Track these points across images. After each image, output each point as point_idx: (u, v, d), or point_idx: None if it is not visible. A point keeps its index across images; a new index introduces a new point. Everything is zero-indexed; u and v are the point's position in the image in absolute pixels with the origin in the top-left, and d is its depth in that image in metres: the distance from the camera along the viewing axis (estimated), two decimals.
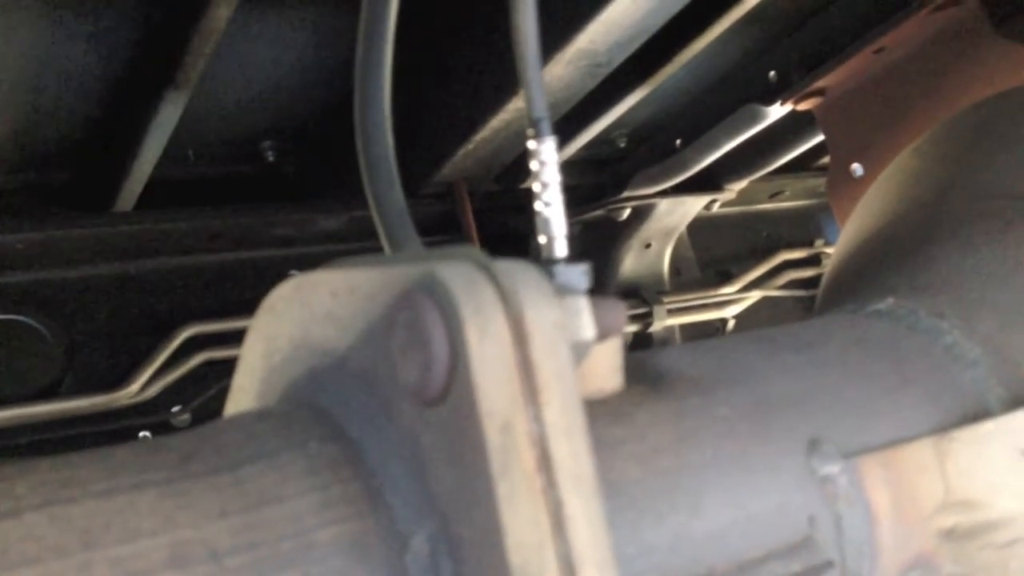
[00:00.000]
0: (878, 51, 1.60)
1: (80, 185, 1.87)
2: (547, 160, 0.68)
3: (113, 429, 1.80)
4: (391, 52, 0.85)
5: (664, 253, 2.15)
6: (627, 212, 2.04)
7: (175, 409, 1.83)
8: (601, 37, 1.56)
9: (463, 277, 0.50)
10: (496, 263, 0.52)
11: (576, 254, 2.04)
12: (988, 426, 0.73)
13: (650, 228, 2.07)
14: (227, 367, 1.81)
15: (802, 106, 1.72)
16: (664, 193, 2.01)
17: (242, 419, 0.59)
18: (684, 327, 2.19)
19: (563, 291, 0.55)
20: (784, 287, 2.28)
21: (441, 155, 1.89)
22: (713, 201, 2.09)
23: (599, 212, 2.03)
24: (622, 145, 2.14)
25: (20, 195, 1.86)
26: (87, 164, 1.83)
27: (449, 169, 1.91)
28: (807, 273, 2.34)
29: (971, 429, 0.73)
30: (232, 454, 0.54)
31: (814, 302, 2.33)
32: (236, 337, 1.81)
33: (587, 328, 0.55)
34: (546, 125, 0.68)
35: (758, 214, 2.37)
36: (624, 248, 2.10)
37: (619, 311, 0.57)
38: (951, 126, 0.99)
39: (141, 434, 1.79)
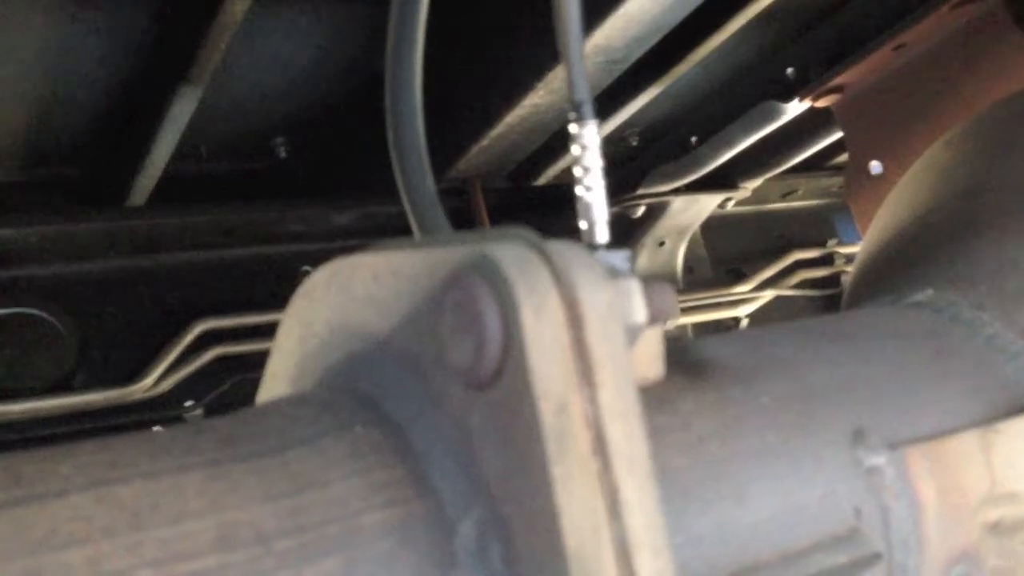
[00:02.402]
0: (898, 47, 1.59)
1: (94, 180, 1.87)
2: (589, 144, 0.67)
3: (126, 423, 1.79)
4: (423, 36, 0.84)
5: (678, 251, 2.15)
6: (641, 209, 2.03)
7: (188, 404, 1.82)
8: (618, 33, 1.56)
9: (516, 257, 0.49)
10: (549, 244, 0.51)
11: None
12: None
13: (664, 226, 2.06)
14: (240, 362, 1.81)
15: (820, 103, 1.72)
16: (679, 191, 2.00)
17: (283, 403, 0.58)
18: (696, 326, 2.18)
19: (615, 274, 0.54)
20: (797, 287, 2.28)
21: (455, 151, 1.88)
22: (728, 199, 2.09)
23: (614, 209, 2.02)
24: (634, 144, 2.13)
25: (34, 189, 1.86)
26: (101, 159, 1.83)
27: (463, 165, 1.90)
28: (819, 273, 2.33)
29: (1015, 421, 0.72)
30: (275, 438, 0.53)
31: (827, 302, 2.32)
32: (249, 332, 1.80)
33: (639, 311, 0.54)
34: (588, 108, 0.67)
35: (771, 213, 2.37)
36: (638, 246, 2.10)
37: (670, 295, 0.56)
38: (985, 119, 0.98)
39: (155, 429, 1.78)
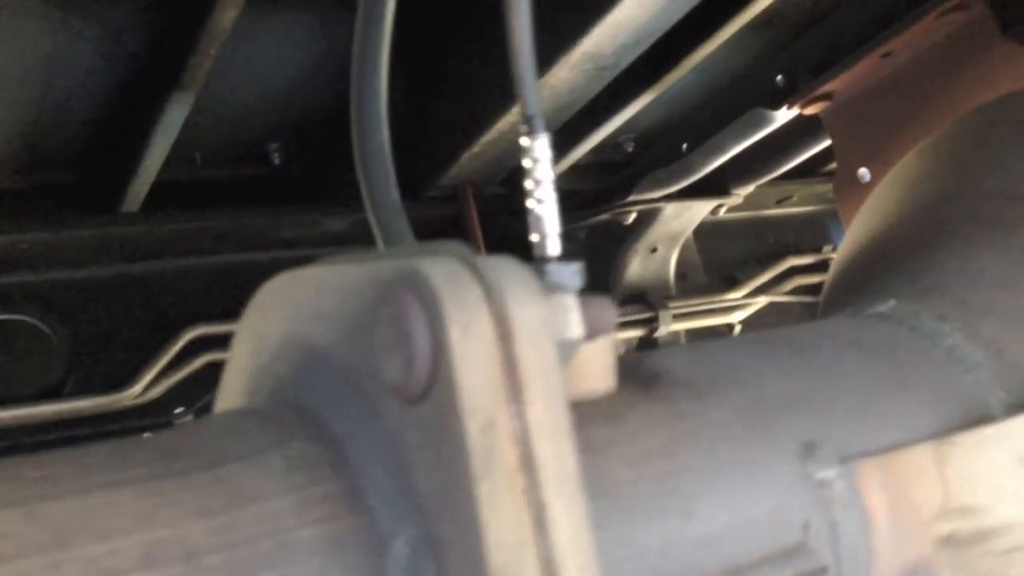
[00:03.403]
0: (885, 55, 1.59)
1: (87, 186, 1.87)
2: (540, 157, 0.67)
3: (116, 430, 1.80)
4: (388, 48, 0.85)
5: (670, 258, 2.14)
6: (633, 216, 2.03)
7: (178, 411, 1.82)
8: (607, 40, 1.56)
9: (447, 273, 0.49)
10: (482, 259, 0.51)
11: (583, 258, 2.03)
12: (988, 431, 0.72)
13: (656, 232, 2.06)
14: None
15: (809, 110, 1.71)
16: (670, 197, 1.99)
17: (224, 417, 0.58)
18: (690, 332, 2.18)
19: (551, 289, 0.54)
20: (791, 293, 2.27)
21: (446, 158, 1.88)
22: (720, 206, 2.08)
23: (605, 216, 2.02)
24: (630, 149, 2.13)
25: (27, 196, 1.86)
26: (94, 165, 1.83)
27: (454, 172, 1.90)
28: (814, 279, 2.33)
29: (971, 434, 0.71)
30: (212, 452, 0.53)
31: None
32: None
33: (575, 326, 0.54)
34: (539, 122, 0.67)
35: (766, 219, 2.36)
36: (630, 252, 2.09)
37: (608, 310, 0.56)
38: (956, 129, 0.98)
39: (144, 435, 1.78)
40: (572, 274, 0.65)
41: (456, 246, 0.52)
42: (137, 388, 1.80)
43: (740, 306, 2.20)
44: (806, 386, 0.71)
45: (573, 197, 2.15)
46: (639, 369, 0.69)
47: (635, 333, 2.09)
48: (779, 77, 1.75)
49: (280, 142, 2.00)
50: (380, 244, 0.82)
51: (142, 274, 1.88)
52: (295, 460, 0.53)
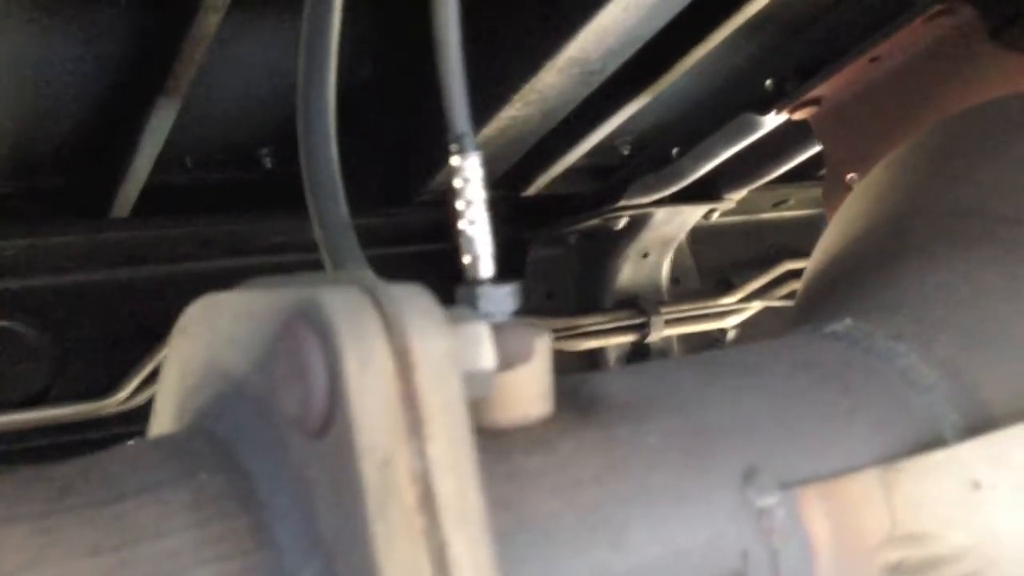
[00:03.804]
0: (873, 60, 1.57)
1: (75, 191, 1.86)
2: (471, 177, 0.65)
3: (100, 438, 1.79)
4: (334, 63, 0.83)
5: (662, 263, 2.12)
6: (624, 221, 2.01)
7: None
8: (592, 45, 1.54)
9: (345, 304, 0.48)
10: (385, 288, 0.49)
11: (573, 263, 2.00)
12: (939, 456, 0.70)
13: (647, 237, 2.04)
14: None
15: (797, 115, 1.69)
16: (661, 202, 1.97)
17: (134, 448, 0.56)
18: (682, 338, 2.16)
19: (459, 318, 0.52)
20: (787, 297, 2.24)
21: (435, 162, 1.87)
22: (712, 210, 2.06)
23: (595, 221, 2.00)
24: (625, 153, 2.11)
25: (13, 200, 1.86)
26: (82, 170, 1.83)
27: (444, 176, 1.88)
28: None
29: (920, 459, 0.69)
30: (115, 486, 0.51)
31: None
32: None
33: (486, 357, 0.52)
34: (470, 140, 0.65)
35: (762, 223, 2.34)
36: (621, 258, 2.07)
37: (526, 338, 0.55)
38: (925, 139, 0.96)
39: (128, 443, 1.77)
40: (505, 296, 0.64)
41: (361, 275, 0.51)
42: (122, 395, 1.80)
43: (734, 311, 2.18)
44: (750, 410, 0.69)
45: (566, 201, 2.13)
46: (578, 393, 0.67)
47: (627, 339, 2.07)
48: (768, 82, 1.73)
49: (271, 146, 1.99)
50: (327, 264, 0.81)
51: (127, 280, 1.87)
52: (200, 494, 0.52)
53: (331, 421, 0.48)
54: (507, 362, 0.54)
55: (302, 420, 0.48)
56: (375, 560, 0.45)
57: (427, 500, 0.46)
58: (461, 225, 0.65)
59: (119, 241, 1.83)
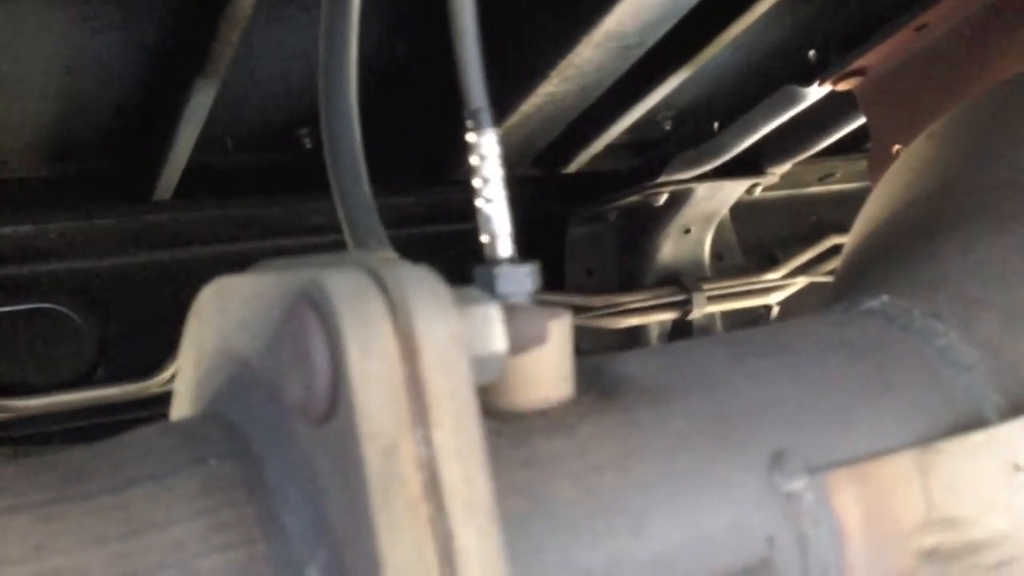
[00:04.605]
0: (920, 28, 1.52)
1: (118, 174, 1.87)
2: (488, 154, 0.64)
3: (145, 417, 1.80)
4: (355, 44, 0.82)
5: (704, 239, 2.09)
6: (664, 197, 1.98)
7: None
8: (630, 19, 1.52)
9: (349, 286, 0.46)
10: (390, 270, 0.48)
11: (613, 240, 1.97)
12: (979, 437, 0.67)
13: (688, 213, 2.01)
14: None
15: (841, 86, 1.65)
16: (703, 177, 1.94)
17: (144, 434, 0.56)
18: (726, 314, 2.13)
19: (470, 300, 0.51)
20: (832, 273, 2.20)
21: None
22: (755, 185, 2.02)
23: (636, 197, 1.97)
24: (667, 128, 2.08)
25: (56, 184, 1.87)
26: (124, 153, 1.84)
27: None
28: None
29: (959, 440, 0.67)
30: (123, 473, 0.51)
31: None
32: None
33: (496, 340, 0.51)
34: (486, 116, 0.64)
35: (807, 197, 2.29)
36: (663, 234, 2.05)
37: (540, 320, 0.53)
38: (967, 111, 0.93)
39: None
40: (524, 276, 0.62)
41: (367, 255, 0.49)
42: (166, 375, 1.81)
43: (778, 287, 2.14)
44: (779, 392, 0.67)
45: (607, 178, 2.11)
46: (602, 375, 0.66)
47: (668, 316, 2.04)
48: (811, 53, 1.70)
49: (310, 127, 1.99)
50: (349, 244, 0.80)
51: (171, 262, 1.89)
52: (209, 481, 0.51)
53: (335, 407, 0.46)
54: (520, 345, 0.52)
55: (306, 406, 0.47)
56: (379, 550, 0.44)
57: (433, 488, 0.45)
58: (478, 203, 0.63)
59: (161, 223, 1.84)
